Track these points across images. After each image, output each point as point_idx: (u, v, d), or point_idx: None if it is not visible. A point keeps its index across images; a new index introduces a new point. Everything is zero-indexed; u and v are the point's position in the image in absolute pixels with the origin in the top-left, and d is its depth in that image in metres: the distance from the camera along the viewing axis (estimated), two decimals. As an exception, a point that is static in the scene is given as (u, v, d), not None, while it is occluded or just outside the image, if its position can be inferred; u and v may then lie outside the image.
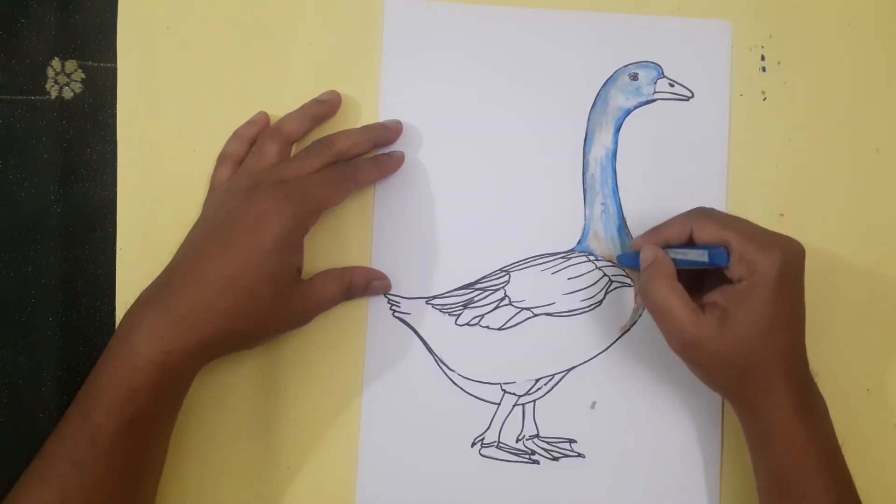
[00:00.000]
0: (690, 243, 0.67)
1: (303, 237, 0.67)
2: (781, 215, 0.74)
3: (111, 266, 0.72)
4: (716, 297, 0.65)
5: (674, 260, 0.67)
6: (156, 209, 0.73)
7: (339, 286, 0.70)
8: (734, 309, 0.63)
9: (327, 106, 0.73)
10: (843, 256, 0.74)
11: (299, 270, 0.68)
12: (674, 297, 0.65)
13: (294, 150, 0.72)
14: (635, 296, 0.73)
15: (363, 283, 0.71)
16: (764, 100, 0.75)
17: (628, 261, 0.72)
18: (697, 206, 0.70)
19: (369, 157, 0.72)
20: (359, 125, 0.73)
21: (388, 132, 0.73)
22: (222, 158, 0.72)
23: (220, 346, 0.65)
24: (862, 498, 0.72)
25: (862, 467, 0.73)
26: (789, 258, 0.64)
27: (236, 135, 0.73)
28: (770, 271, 0.63)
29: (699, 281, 0.68)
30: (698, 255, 0.66)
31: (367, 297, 0.73)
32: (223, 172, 0.71)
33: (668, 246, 0.68)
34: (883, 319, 0.74)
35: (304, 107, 0.73)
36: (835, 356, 0.74)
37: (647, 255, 0.68)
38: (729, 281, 0.65)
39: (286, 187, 0.66)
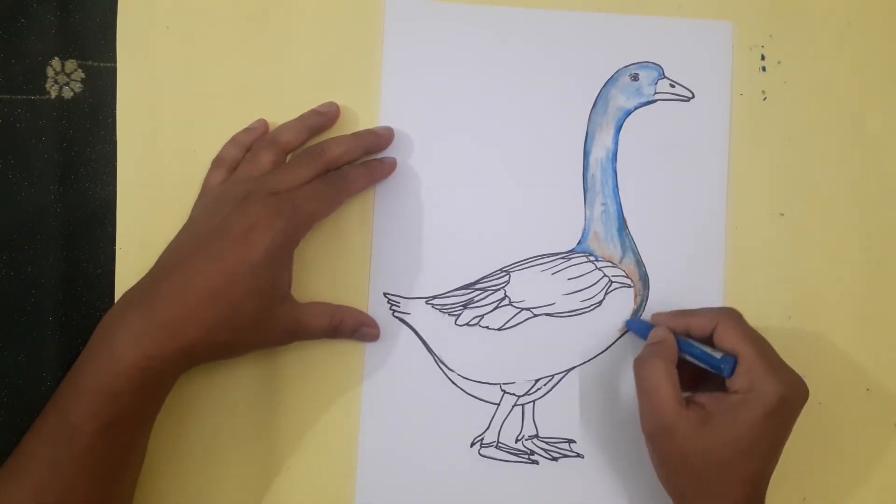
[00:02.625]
0: (709, 339, 0.68)
1: (293, 251, 0.67)
2: (781, 215, 0.74)
3: (111, 266, 0.72)
4: (704, 400, 0.64)
5: (681, 349, 0.67)
6: (156, 209, 0.73)
7: (328, 321, 0.69)
8: (720, 417, 0.63)
9: (326, 118, 0.73)
10: (843, 256, 0.74)
11: (288, 288, 0.68)
12: (666, 380, 0.65)
13: (288, 157, 0.72)
14: (635, 296, 0.73)
15: (352, 326, 0.71)
16: (764, 100, 0.75)
17: (637, 328, 0.72)
18: (726, 304, 0.72)
19: (360, 164, 0.72)
20: (360, 125, 0.74)
21: (380, 139, 0.73)
22: (217, 162, 0.72)
23: (200, 355, 0.65)
24: (862, 498, 0.73)
25: (862, 467, 0.73)
26: (792, 394, 0.63)
27: (234, 140, 0.73)
28: (769, 396, 0.62)
29: (688, 375, 0.67)
30: (705, 356, 0.66)
31: (367, 298, 0.73)
32: (216, 176, 0.71)
33: (687, 333, 0.68)
34: (883, 319, 0.74)
35: (302, 117, 0.73)
36: (835, 356, 0.74)
37: (657, 334, 0.68)
38: (723, 390, 0.65)
39: (277, 200, 0.65)
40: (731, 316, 0.68)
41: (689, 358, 0.67)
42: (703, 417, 0.63)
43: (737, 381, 0.64)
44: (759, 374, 0.63)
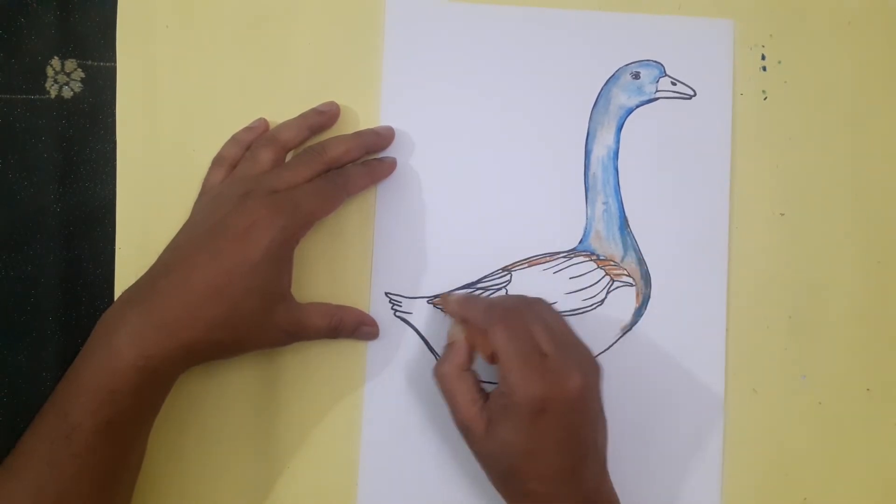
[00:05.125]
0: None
1: (293, 249, 0.67)
2: (782, 215, 0.75)
3: (111, 266, 0.72)
4: (490, 400, 0.64)
5: None
6: (155, 209, 0.73)
7: (328, 322, 0.69)
8: (496, 419, 0.63)
9: (326, 117, 0.73)
10: (843, 256, 0.75)
11: (288, 287, 0.68)
12: (461, 385, 0.65)
13: (288, 156, 0.72)
14: (637, 295, 0.73)
15: (352, 326, 0.71)
16: (764, 99, 0.75)
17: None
18: (513, 295, 0.71)
19: (360, 164, 0.72)
20: (360, 124, 0.74)
21: (381, 139, 0.73)
22: (217, 161, 0.72)
23: (199, 354, 0.65)
24: (862, 498, 0.73)
25: (862, 467, 0.73)
26: (556, 394, 0.62)
27: (234, 139, 0.73)
28: (525, 401, 0.61)
29: None
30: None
31: (369, 298, 0.73)
32: (216, 175, 0.71)
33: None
34: (883, 319, 0.74)
35: (302, 116, 0.73)
36: (835, 356, 0.74)
37: (450, 333, 0.69)
38: None
39: (278, 198, 0.65)
40: (498, 317, 0.65)
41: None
42: (488, 419, 0.63)
43: (501, 382, 0.63)
44: (514, 379, 0.62)
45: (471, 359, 0.67)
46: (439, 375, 0.66)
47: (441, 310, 0.73)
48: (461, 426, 0.65)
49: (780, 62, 0.75)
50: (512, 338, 0.63)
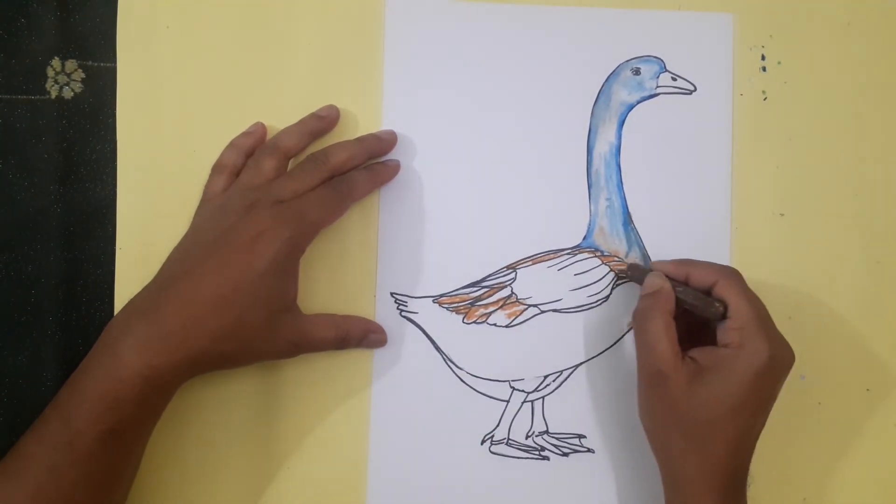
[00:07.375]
0: (706, 293, 0.67)
1: (298, 260, 0.67)
2: (781, 215, 0.75)
3: (111, 266, 0.72)
4: (696, 354, 0.65)
5: (677, 296, 0.67)
6: (155, 209, 0.72)
7: (335, 332, 0.69)
8: (711, 371, 0.63)
9: (325, 122, 0.73)
10: (843, 256, 0.75)
11: (294, 298, 0.68)
12: (666, 333, 0.65)
13: (290, 163, 0.72)
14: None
15: (359, 335, 0.71)
16: (764, 100, 0.75)
17: (637, 275, 0.71)
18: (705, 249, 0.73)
19: (364, 169, 0.72)
20: (361, 123, 0.74)
21: (383, 143, 0.73)
22: (217, 169, 0.72)
23: (204, 365, 0.65)
24: (862, 498, 0.73)
25: (862, 467, 0.73)
26: (781, 355, 0.64)
27: (232, 145, 0.72)
28: (760, 354, 0.63)
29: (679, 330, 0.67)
30: (699, 300, 0.67)
31: (374, 299, 0.73)
32: (218, 183, 0.71)
33: (686, 283, 0.68)
34: (883, 319, 0.75)
35: (302, 122, 0.73)
36: (835, 356, 0.74)
37: (652, 283, 0.68)
38: (713, 344, 0.65)
39: (283, 209, 0.65)
40: (732, 273, 0.67)
41: (682, 300, 0.67)
42: (695, 372, 0.64)
43: (728, 336, 0.64)
44: (750, 331, 0.63)
45: (675, 309, 0.67)
46: (646, 324, 0.66)
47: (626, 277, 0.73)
48: (656, 373, 0.64)
49: (779, 62, 0.76)
50: (750, 292, 0.65)
